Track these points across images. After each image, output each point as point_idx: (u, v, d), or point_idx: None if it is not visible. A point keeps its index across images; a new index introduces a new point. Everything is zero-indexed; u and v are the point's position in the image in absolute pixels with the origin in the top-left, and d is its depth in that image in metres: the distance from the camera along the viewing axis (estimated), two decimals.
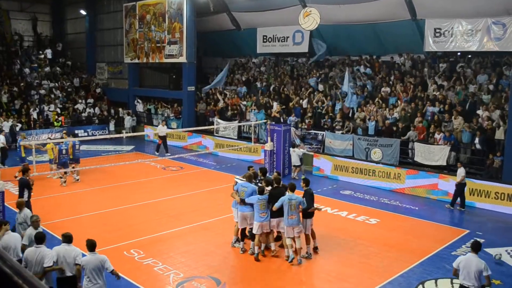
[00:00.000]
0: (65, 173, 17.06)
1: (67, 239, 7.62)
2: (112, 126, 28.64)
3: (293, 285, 9.40)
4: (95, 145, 25.08)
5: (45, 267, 7.33)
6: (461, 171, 14.74)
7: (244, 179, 11.25)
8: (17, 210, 9.71)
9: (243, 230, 11.24)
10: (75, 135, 25.98)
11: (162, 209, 14.30)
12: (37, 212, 12.66)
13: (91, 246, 7.44)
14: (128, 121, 28.87)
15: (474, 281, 7.41)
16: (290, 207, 10.08)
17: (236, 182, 11.37)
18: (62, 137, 19.35)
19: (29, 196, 11.65)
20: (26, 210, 9.54)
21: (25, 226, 9.16)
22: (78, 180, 17.55)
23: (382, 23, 21.89)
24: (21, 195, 11.44)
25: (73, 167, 17.33)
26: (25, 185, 11.58)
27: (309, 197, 10.77)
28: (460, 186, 14.85)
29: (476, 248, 7.63)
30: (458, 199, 14.94)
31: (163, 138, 23.00)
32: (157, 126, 28.05)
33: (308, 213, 10.71)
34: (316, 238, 11.10)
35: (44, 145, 17.86)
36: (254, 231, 10.49)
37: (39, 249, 7.44)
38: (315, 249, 11.04)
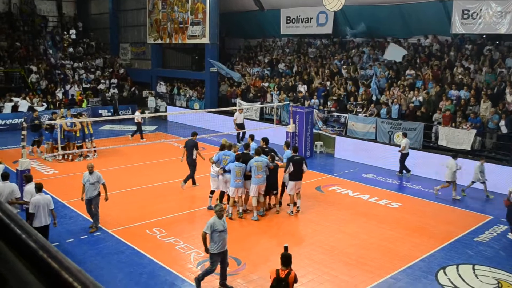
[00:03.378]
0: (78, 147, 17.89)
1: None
2: (163, 108, 28.36)
3: (312, 267, 9.42)
4: (118, 125, 25.38)
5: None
6: (403, 142, 16.26)
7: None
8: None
9: (223, 192, 12.21)
10: (99, 115, 26.35)
11: (184, 189, 14.41)
12: (63, 189, 12.94)
13: (39, 188, 9.19)
14: (152, 101, 29.07)
15: None
16: (257, 168, 11.47)
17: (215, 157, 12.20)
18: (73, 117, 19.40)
19: (196, 156, 13.89)
20: (96, 172, 10.81)
21: (96, 186, 10.66)
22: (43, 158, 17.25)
23: (408, 4, 21.39)
24: (189, 154, 13.83)
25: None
26: (194, 146, 13.89)
27: (293, 162, 11.91)
28: (403, 155, 16.36)
29: None
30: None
31: (241, 126, 20.73)
32: (179, 107, 28.24)
33: (294, 176, 11.98)
34: (300, 199, 12.49)
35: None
36: (230, 194, 11.70)
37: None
38: (297, 208, 12.46)
